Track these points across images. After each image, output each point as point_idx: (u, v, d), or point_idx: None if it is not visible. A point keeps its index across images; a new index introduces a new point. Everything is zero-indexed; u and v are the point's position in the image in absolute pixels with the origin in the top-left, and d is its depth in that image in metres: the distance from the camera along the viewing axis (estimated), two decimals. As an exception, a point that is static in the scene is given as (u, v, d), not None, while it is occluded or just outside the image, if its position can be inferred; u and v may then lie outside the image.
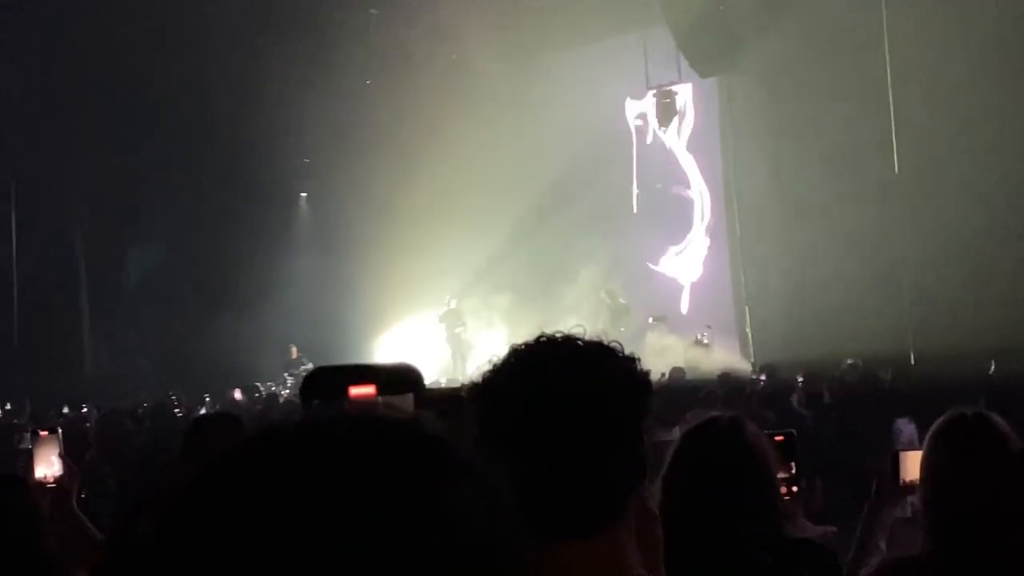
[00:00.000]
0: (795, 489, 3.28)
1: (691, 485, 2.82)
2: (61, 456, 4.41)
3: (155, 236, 23.57)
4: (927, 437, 3.12)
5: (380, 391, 1.20)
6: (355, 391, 1.20)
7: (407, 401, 1.22)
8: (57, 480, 4.37)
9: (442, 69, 22.36)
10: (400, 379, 1.27)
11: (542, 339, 1.68)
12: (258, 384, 20.46)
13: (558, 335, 1.68)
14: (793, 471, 3.29)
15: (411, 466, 0.80)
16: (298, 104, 22.88)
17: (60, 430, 4.56)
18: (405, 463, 0.80)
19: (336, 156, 23.50)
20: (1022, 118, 15.62)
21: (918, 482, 3.15)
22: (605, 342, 1.69)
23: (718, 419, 3.03)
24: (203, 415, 5.38)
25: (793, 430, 3.48)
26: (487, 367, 1.67)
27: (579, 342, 1.67)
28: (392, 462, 0.80)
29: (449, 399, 1.56)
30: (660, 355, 17.44)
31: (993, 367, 12.63)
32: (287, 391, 20.28)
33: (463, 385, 1.69)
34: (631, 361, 1.68)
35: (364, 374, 1.22)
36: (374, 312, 22.81)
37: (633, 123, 22.53)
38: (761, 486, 2.87)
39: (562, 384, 1.62)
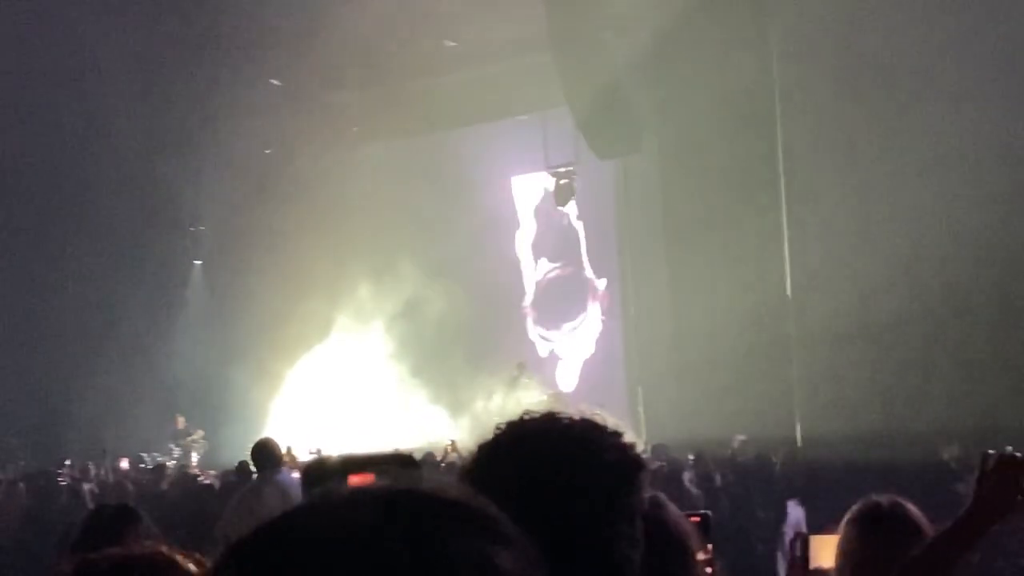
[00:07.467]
0: (710, 571, 3.31)
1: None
2: None
3: (42, 295, 22.86)
4: (843, 523, 3.21)
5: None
6: (355, 480, 1.23)
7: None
8: None
9: (342, 141, 22.45)
10: (400, 467, 1.30)
11: (528, 418, 1.67)
12: (143, 454, 20.02)
13: (539, 413, 1.68)
14: (710, 552, 3.33)
15: (469, 532, 0.87)
16: (195, 171, 22.70)
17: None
18: (469, 530, 0.87)
19: (233, 225, 23.29)
20: (916, 202, 16.22)
21: (831, 569, 3.23)
22: (590, 416, 1.70)
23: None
24: (103, 507, 5.26)
25: (708, 511, 3.52)
26: (439, 447, 1.66)
27: (566, 420, 1.67)
28: (458, 529, 0.86)
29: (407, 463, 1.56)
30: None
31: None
32: (173, 462, 19.87)
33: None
34: (619, 436, 1.70)
35: (364, 464, 1.25)
36: (266, 381, 22.48)
37: (531, 202, 22.83)
38: (684, 569, 2.89)
39: (556, 465, 1.62)
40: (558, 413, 1.69)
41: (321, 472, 1.29)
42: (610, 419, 1.71)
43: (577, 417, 1.70)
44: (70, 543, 4.94)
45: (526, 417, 1.69)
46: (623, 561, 1.65)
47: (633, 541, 1.67)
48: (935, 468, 11.63)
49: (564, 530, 1.59)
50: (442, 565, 0.82)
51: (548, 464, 1.62)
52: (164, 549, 2.15)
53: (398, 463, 1.32)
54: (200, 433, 21.58)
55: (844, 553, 3.16)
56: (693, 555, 2.96)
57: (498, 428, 1.67)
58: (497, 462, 1.64)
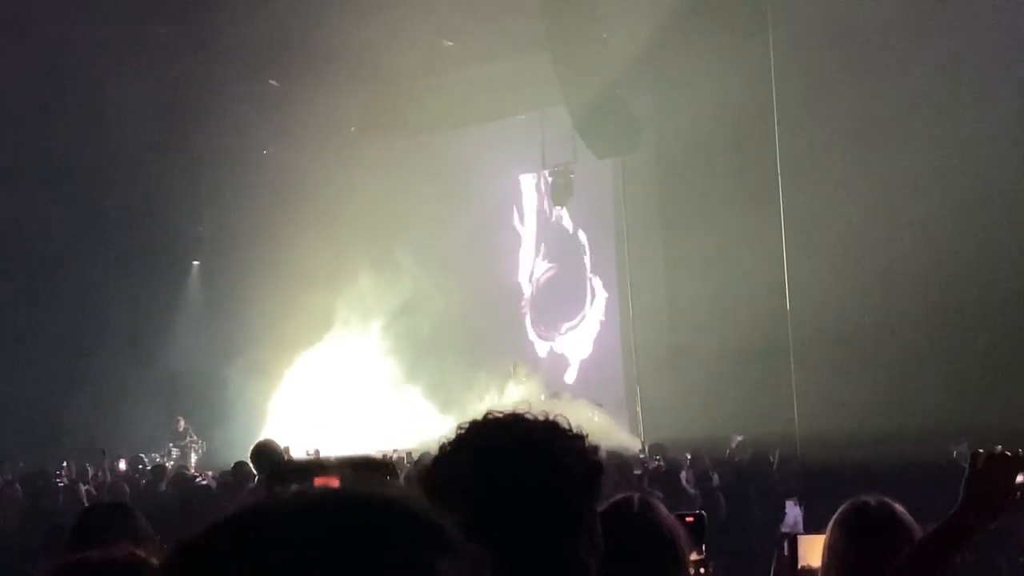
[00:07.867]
0: (703, 571, 3.30)
1: (601, 567, 2.79)
2: None
3: (40, 295, 22.81)
4: (831, 523, 3.19)
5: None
6: (319, 483, 1.21)
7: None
8: None
9: (341, 141, 22.44)
10: (365, 470, 1.28)
11: (490, 418, 1.66)
12: (142, 455, 19.98)
13: (502, 413, 1.67)
14: (704, 553, 3.31)
15: (408, 539, 0.86)
16: (193, 172, 22.69)
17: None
18: (408, 538, 0.86)
19: (232, 225, 23.28)
20: (916, 201, 16.20)
21: (819, 568, 3.22)
22: (551, 418, 1.68)
23: (629, 499, 3.01)
24: (96, 504, 5.23)
25: (703, 512, 3.50)
26: (436, 448, 1.65)
27: (528, 422, 1.65)
28: (396, 537, 0.85)
29: (381, 467, 1.55)
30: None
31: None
32: (171, 463, 19.84)
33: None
34: (580, 440, 1.67)
35: (328, 468, 1.24)
36: (264, 380, 22.46)
37: (529, 201, 22.82)
38: (675, 569, 2.87)
39: (514, 467, 1.60)
40: (523, 414, 1.66)
41: (286, 475, 1.27)
42: (591, 419, 1.69)
43: (542, 419, 1.67)
44: (64, 542, 4.91)
45: (489, 418, 1.66)
46: (580, 567, 1.63)
47: (591, 548, 1.65)
48: (936, 467, 11.58)
49: (519, 533, 1.58)
50: (375, 572, 0.82)
51: (505, 466, 1.60)
52: (141, 552, 2.14)
53: (364, 467, 1.31)
54: (194, 437, 21.55)
55: (831, 553, 3.15)
56: (684, 556, 2.94)
57: (460, 428, 1.65)
58: (456, 463, 1.63)
